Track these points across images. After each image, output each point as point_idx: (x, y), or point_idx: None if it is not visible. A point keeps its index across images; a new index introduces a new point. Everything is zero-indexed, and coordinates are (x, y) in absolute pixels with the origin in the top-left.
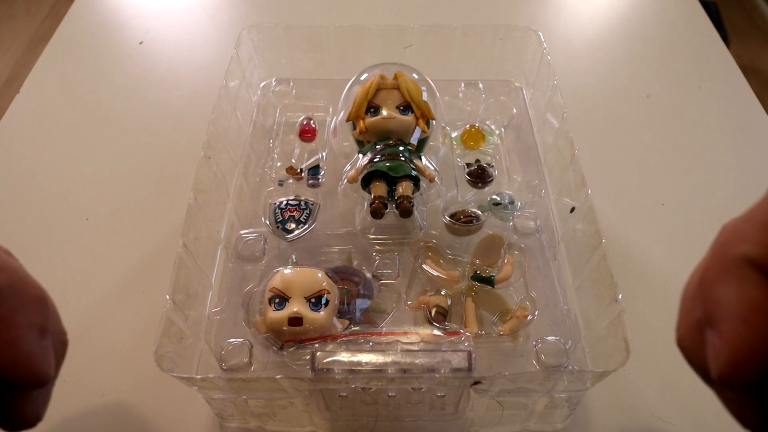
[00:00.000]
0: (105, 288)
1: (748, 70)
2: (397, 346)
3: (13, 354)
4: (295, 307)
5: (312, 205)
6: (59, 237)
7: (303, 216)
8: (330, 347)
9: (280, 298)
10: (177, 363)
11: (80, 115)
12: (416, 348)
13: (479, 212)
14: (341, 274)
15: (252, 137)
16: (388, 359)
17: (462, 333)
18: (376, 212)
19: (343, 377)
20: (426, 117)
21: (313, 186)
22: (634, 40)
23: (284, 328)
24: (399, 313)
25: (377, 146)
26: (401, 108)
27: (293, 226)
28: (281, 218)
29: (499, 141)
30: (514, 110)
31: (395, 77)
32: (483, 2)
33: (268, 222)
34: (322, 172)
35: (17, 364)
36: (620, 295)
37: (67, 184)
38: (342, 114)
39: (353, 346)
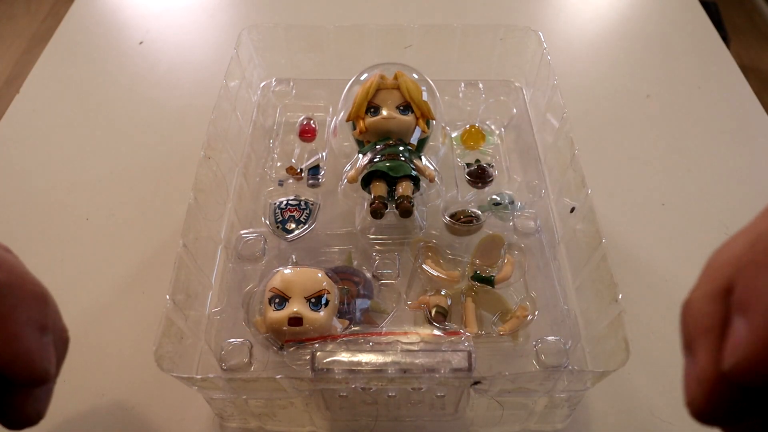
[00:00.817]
0: (105, 288)
1: (748, 70)
2: (397, 346)
3: (13, 351)
4: (295, 307)
5: (312, 205)
6: (59, 237)
7: (303, 216)
8: (330, 347)
9: (280, 298)
10: (177, 363)
11: (80, 114)
12: (416, 348)
13: (479, 212)
14: (341, 274)
15: (252, 137)
16: (388, 359)
17: (462, 333)
18: (376, 212)
19: (343, 377)
20: (426, 117)
21: (313, 186)
22: (634, 40)
23: (284, 328)
24: (399, 313)
25: (377, 146)
26: (401, 108)
27: (293, 226)
28: (281, 218)
29: (499, 141)
30: (514, 110)
31: (395, 77)
32: (483, 2)
33: (268, 222)
34: (322, 172)
35: (17, 361)
36: (620, 295)
37: (67, 184)
38: (342, 114)
39: (353, 346)
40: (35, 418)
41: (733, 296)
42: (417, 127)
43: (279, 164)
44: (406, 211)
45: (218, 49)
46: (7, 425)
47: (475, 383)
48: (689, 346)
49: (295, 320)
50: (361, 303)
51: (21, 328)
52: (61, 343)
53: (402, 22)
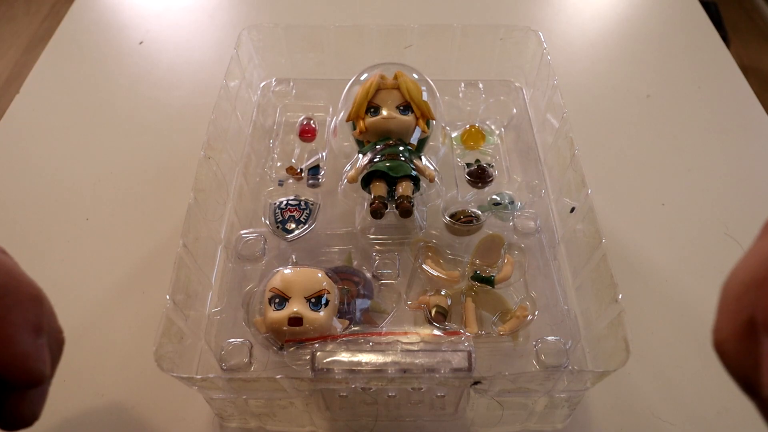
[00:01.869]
0: (105, 288)
1: (748, 70)
2: (397, 346)
3: (9, 353)
4: (295, 307)
5: (312, 205)
6: (59, 237)
7: (303, 216)
8: (330, 347)
9: (280, 298)
10: (177, 363)
11: (80, 115)
12: (416, 348)
13: (479, 212)
14: (341, 274)
15: (252, 137)
16: (388, 359)
17: (462, 333)
18: (376, 212)
19: (343, 377)
20: (426, 117)
21: (313, 186)
22: (634, 40)
23: (284, 328)
24: (399, 313)
25: (377, 146)
26: (401, 108)
27: (293, 226)
28: (281, 218)
29: (499, 141)
30: (514, 110)
31: (395, 77)
32: (483, 2)
33: (268, 222)
34: (322, 172)
35: (12, 363)
36: (620, 295)
37: (67, 184)
38: (342, 114)
39: (353, 346)
40: (30, 419)
41: (757, 319)
42: (417, 127)
43: (279, 164)
44: (406, 211)
45: (218, 49)
46: (2, 426)
47: (475, 383)
48: (750, 390)
49: (295, 320)
50: (361, 303)
51: (16, 330)
52: (56, 344)
53: (402, 22)
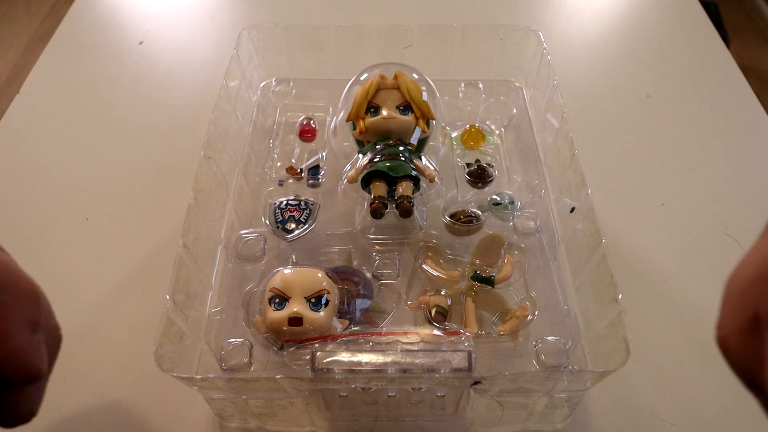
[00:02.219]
0: (105, 288)
1: (748, 70)
2: (397, 346)
3: (5, 349)
4: (295, 307)
5: (312, 205)
6: (59, 237)
7: (303, 216)
8: (330, 347)
9: (280, 298)
10: (177, 363)
11: (80, 115)
12: (416, 348)
13: (479, 212)
14: (341, 274)
15: (252, 137)
16: (388, 359)
17: (462, 333)
18: (376, 212)
19: (343, 377)
20: (426, 117)
21: (313, 186)
22: (634, 40)
23: (284, 328)
24: (399, 313)
25: (377, 146)
26: (401, 108)
27: (293, 226)
28: (281, 218)
29: (499, 141)
30: (514, 110)
31: (395, 77)
32: (483, 2)
33: (268, 222)
34: (322, 172)
35: (9, 360)
36: (620, 295)
37: (67, 184)
38: (342, 114)
39: (353, 346)
40: (28, 416)
41: (761, 315)
42: (417, 127)
43: (279, 164)
44: (406, 211)
45: (218, 49)
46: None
47: (475, 383)
48: (753, 386)
49: (295, 320)
50: (361, 303)
51: (13, 327)
52: (54, 341)
53: (402, 22)
